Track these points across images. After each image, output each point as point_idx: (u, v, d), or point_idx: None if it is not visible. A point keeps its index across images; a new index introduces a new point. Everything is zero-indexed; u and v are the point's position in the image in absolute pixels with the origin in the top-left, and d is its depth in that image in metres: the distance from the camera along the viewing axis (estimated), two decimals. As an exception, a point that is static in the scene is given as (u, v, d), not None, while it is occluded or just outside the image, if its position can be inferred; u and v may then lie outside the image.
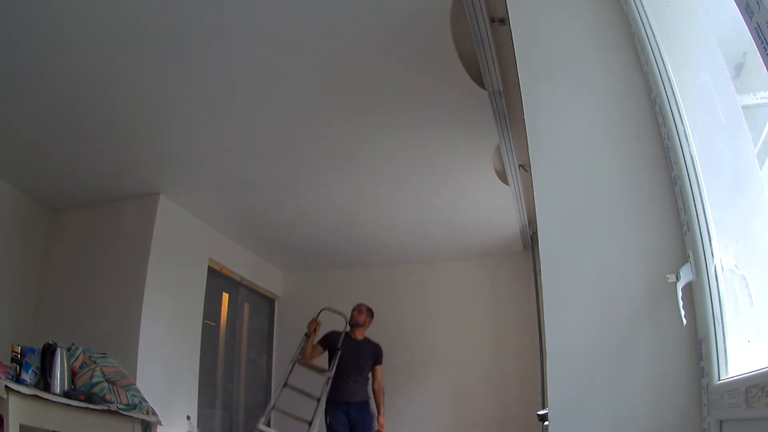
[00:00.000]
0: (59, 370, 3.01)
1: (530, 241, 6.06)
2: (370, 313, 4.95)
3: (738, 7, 1.08)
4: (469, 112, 3.75)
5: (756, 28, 1.01)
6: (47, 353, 3.00)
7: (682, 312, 1.46)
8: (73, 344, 3.36)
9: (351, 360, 4.66)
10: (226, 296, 6.31)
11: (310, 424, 4.38)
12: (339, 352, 4.64)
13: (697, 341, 1.48)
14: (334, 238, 6.21)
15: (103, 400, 3.16)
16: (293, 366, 4.72)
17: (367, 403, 4.67)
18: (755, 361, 1.33)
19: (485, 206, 5.33)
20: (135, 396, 3.43)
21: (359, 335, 4.84)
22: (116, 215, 5.05)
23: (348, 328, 4.88)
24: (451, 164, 4.60)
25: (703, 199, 1.50)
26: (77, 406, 3.00)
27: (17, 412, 2.63)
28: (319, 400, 4.45)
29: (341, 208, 5.44)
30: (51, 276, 5.02)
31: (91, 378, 3.24)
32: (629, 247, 1.67)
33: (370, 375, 4.76)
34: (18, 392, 2.65)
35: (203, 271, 5.61)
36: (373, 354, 4.77)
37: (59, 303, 4.87)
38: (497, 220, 5.65)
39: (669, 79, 1.63)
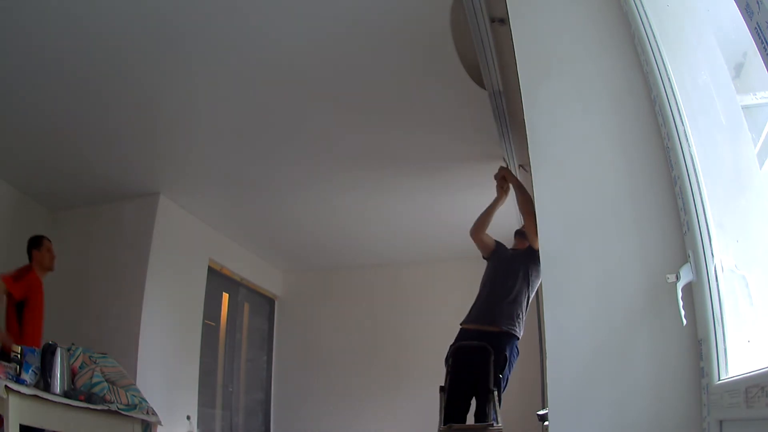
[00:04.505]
0: (59, 370, 3.01)
1: (530, 241, 6.05)
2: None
3: (738, 7, 1.08)
4: (469, 112, 3.75)
5: (756, 28, 1.01)
6: (47, 353, 3.00)
7: (682, 312, 1.45)
8: (73, 344, 3.36)
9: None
10: (226, 296, 6.31)
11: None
12: None
13: (697, 341, 1.48)
14: (334, 238, 6.21)
15: (103, 400, 3.16)
16: None
17: None
18: (755, 361, 1.32)
19: (485, 207, 5.32)
20: (135, 396, 3.43)
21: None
22: (116, 215, 5.04)
23: None
24: (451, 164, 4.59)
25: (703, 199, 1.50)
26: (77, 406, 3.00)
27: (17, 412, 2.63)
28: None
29: (341, 208, 5.44)
30: (51, 276, 5.02)
31: (91, 378, 3.25)
32: (629, 247, 1.67)
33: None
34: (18, 392, 2.65)
35: (203, 271, 5.61)
36: None
37: (59, 303, 4.87)
38: (497, 221, 5.63)
39: (669, 79, 1.63)
